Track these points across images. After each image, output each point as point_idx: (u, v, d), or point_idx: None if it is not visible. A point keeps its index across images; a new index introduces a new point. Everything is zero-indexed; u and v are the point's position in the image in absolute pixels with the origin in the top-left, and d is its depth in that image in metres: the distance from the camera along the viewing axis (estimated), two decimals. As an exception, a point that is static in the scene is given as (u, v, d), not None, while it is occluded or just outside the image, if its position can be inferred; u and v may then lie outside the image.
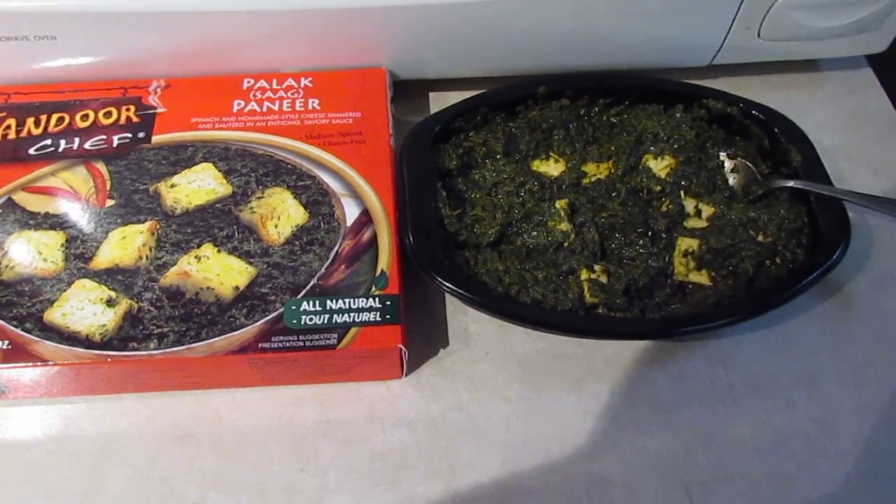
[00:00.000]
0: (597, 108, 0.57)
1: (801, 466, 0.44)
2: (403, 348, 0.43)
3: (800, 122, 0.54)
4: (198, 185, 0.49)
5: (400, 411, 0.46)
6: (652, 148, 0.55)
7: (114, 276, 0.45)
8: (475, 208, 0.52)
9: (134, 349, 0.42)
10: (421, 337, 0.48)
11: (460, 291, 0.45)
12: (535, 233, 0.51)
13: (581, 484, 0.43)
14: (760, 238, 0.51)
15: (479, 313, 0.49)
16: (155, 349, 0.42)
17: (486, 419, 0.46)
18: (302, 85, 0.54)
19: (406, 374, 0.47)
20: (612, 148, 0.56)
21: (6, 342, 0.42)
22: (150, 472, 0.44)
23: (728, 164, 0.55)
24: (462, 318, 0.50)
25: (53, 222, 0.47)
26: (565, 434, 0.45)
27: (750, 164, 0.55)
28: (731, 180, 0.55)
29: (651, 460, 0.44)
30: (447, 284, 0.45)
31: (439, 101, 0.61)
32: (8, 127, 0.51)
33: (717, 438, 0.45)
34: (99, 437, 0.45)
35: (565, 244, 0.50)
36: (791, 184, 0.52)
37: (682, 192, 0.53)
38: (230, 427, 0.45)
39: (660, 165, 0.54)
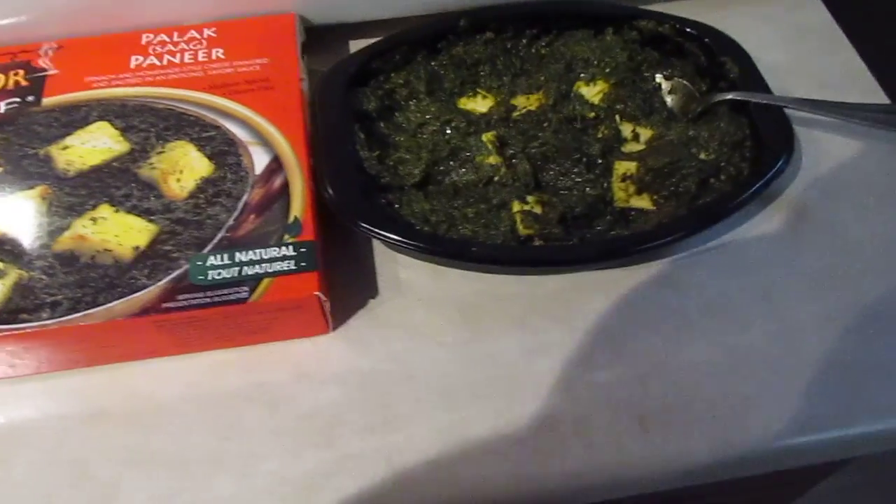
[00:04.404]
0: (524, 40, 0.54)
1: (761, 385, 0.41)
2: (322, 296, 0.40)
3: (740, 42, 0.52)
4: (92, 145, 0.45)
5: (329, 367, 0.42)
6: (583, 74, 0.52)
7: (2, 247, 0.41)
8: (399, 150, 0.48)
9: (25, 321, 0.38)
10: (348, 288, 0.45)
11: (382, 234, 0.42)
12: (463, 170, 0.48)
13: (530, 426, 0.40)
14: (703, 156, 0.48)
15: (410, 259, 0.46)
16: (48, 319, 0.38)
17: (422, 367, 0.42)
18: (205, 35, 0.51)
19: (333, 329, 0.43)
20: (542, 78, 0.53)
21: None
22: (58, 455, 0.40)
23: (665, 86, 0.53)
24: (392, 265, 0.46)
25: (-64, 198, 0.43)
26: (509, 375, 0.42)
27: (687, 83, 0.52)
28: (669, 101, 0.52)
29: (603, 394, 0.41)
30: (366, 226, 0.42)
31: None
32: None
33: (670, 365, 0.42)
34: None
35: (496, 178, 0.47)
36: (730, 96, 0.49)
37: (617, 117, 0.50)
38: (146, 401, 0.42)
39: (592, 91, 0.51)
